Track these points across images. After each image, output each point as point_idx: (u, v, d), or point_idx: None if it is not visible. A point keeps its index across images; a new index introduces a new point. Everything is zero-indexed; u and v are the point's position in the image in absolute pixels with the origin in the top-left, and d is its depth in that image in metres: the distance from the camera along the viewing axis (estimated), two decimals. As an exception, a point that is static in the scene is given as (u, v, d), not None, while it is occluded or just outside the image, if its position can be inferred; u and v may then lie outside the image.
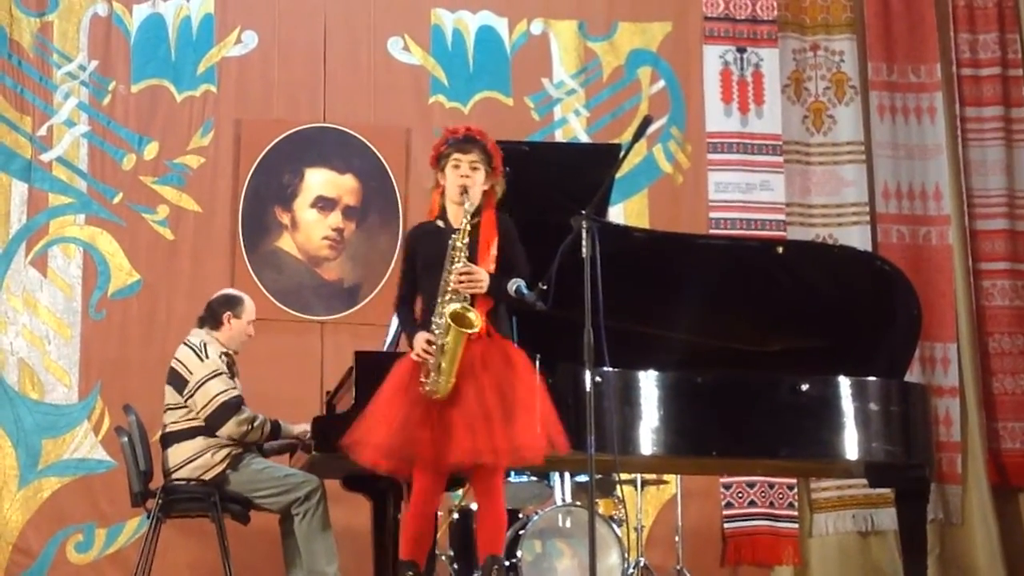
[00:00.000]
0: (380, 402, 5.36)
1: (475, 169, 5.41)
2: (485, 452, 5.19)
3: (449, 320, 5.20)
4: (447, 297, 5.28)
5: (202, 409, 6.58)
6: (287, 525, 6.67)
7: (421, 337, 5.29)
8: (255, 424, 6.63)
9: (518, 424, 5.20)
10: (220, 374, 6.64)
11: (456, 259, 5.30)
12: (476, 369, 5.25)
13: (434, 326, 5.28)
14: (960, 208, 9.24)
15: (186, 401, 6.63)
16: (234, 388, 6.65)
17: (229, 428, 6.57)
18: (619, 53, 9.10)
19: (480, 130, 5.56)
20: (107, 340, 8.23)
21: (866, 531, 8.84)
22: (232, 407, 6.58)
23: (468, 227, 5.32)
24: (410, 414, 5.25)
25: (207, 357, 6.67)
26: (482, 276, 5.29)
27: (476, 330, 5.22)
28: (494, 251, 5.40)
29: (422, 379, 5.25)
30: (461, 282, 5.27)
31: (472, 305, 5.27)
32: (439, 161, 5.49)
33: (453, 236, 5.33)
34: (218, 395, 6.58)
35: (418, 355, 5.28)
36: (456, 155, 5.43)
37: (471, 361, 5.24)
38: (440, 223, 5.50)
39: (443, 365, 5.21)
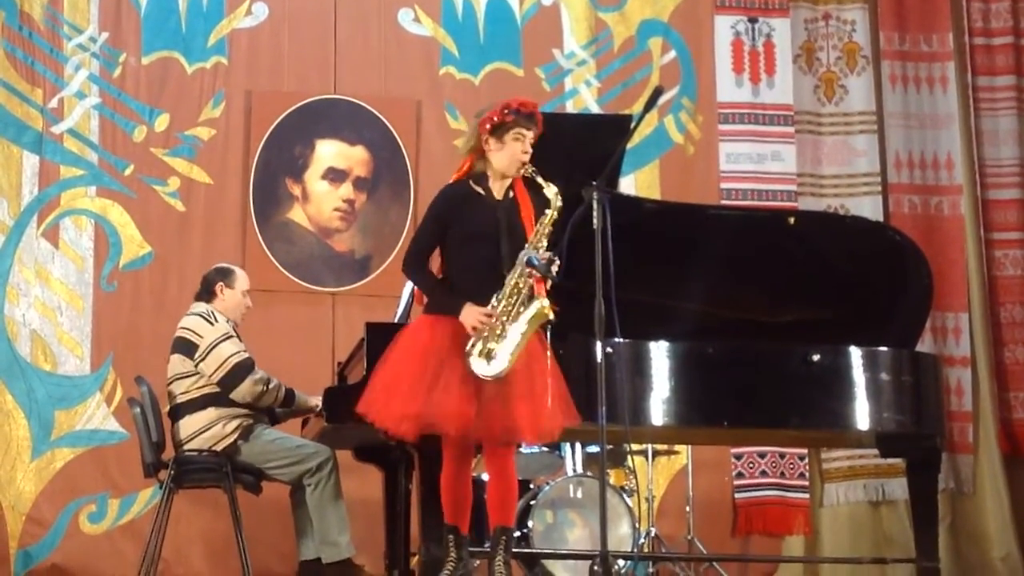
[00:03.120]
0: (399, 368, 5.27)
1: (532, 146, 5.35)
2: (500, 430, 5.19)
3: (534, 315, 5.15)
4: (522, 297, 5.20)
5: (215, 372, 6.60)
6: (299, 495, 6.70)
7: (477, 312, 5.19)
8: (270, 386, 6.65)
9: (536, 404, 5.18)
10: (231, 337, 6.67)
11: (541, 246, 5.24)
12: None
13: (507, 308, 5.19)
14: (972, 178, 9.22)
15: (197, 366, 6.64)
16: (245, 351, 6.67)
17: (244, 388, 6.59)
18: (630, 24, 9.07)
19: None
20: (119, 312, 8.26)
21: (877, 501, 8.85)
22: (246, 367, 6.60)
23: (555, 213, 5.27)
24: (434, 381, 5.16)
25: (216, 322, 6.71)
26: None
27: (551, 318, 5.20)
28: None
29: (474, 356, 5.17)
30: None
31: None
32: (498, 129, 5.33)
33: (542, 221, 5.24)
34: (231, 356, 6.60)
35: (474, 326, 5.18)
36: (522, 129, 5.33)
37: None
38: (479, 189, 5.39)
39: (511, 354, 5.13)
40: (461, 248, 5.35)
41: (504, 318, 5.18)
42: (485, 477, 5.94)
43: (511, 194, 5.36)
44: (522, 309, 5.20)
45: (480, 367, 5.17)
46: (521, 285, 5.21)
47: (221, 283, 6.86)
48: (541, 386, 5.20)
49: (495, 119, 5.33)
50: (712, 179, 8.96)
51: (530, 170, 5.31)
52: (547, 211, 5.28)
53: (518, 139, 5.32)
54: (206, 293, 6.87)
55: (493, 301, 5.21)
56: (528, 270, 5.21)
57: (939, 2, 9.29)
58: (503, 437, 5.25)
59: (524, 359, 5.20)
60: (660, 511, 8.24)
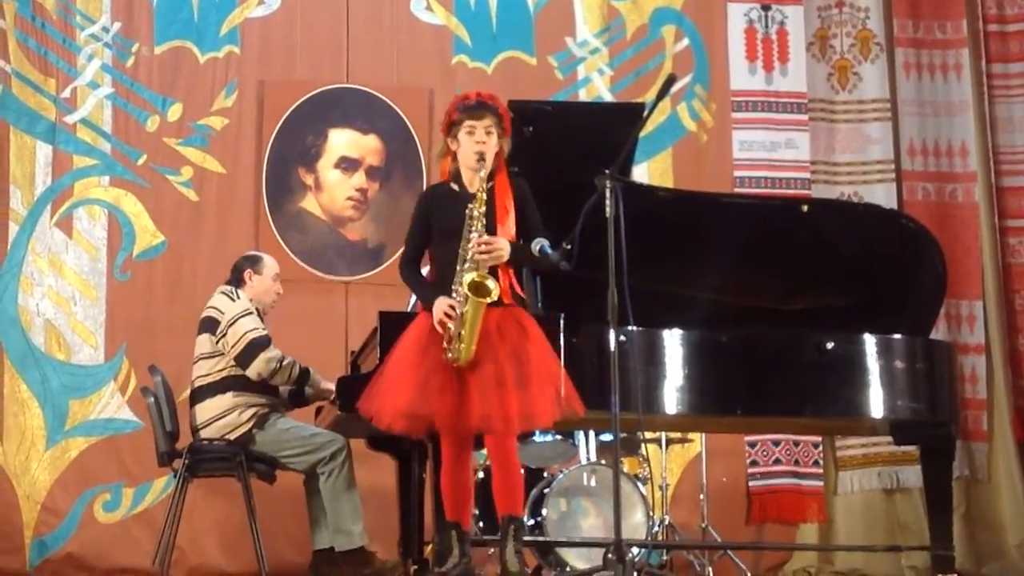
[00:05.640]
0: (396, 364, 5.39)
1: (489, 134, 5.40)
2: (496, 419, 5.22)
3: (467, 291, 5.20)
4: (466, 266, 5.27)
5: (232, 347, 6.61)
6: (312, 484, 6.71)
7: (443, 303, 5.28)
8: (283, 363, 6.67)
9: (530, 391, 5.23)
10: (251, 313, 6.71)
11: (474, 228, 5.29)
12: (492, 337, 5.26)
13: (454, 294, 5.28)
14: (986, 165, 9.20)
15: (218, 342, 6.67)
16: (263, 328, 6.70)
17: (258, 365, 6.61)
18: (643, 11, 9.06)
19: (491, 94, 5.55)
20: (132, 301, 8.26)
21: (891, 488, 8.84)
22: (260, 344, 6.63)
23: (484, 196, 5.32)
24: (429, 377, 5.27)
25: (238, 298, 6.75)
26: (502, 245, 5.29)
27: (494, 299, 5.23)
28: (512, 215, 5.40)
29: (444, 345, 5.26)
30: (482, 252, 5.26)
31: (493, 272, 5.28)
32: (451, 128, 5.48)
33: (470, 205, 5.31)
34: (248, 332, 6.63)
35: (440, 321, 5.29)
36: (470, 122, 5.41)
37: (487, 329, 5.25)
38: (455, 186, 5.49)
39: (463, 334, 5.21)
40: (440, 245, 5.46)
41: (461, 302, 5.25)
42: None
43: (490, 185, 5.39)
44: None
45: (450, 355, 5.25)
46: (464, 271, 5.26)
47: (249, 270, 6.91)
48: (534, 375, 5.25)
49: (446, 119, 5.51)
50: (725, 167, 8.95)
51: (482, 166, 5.35)
52: (472, 204, 5.33)
53: (470, 132, 5.41)
54: (236, 281, 6.91)
55: (453, 288, 5.29)
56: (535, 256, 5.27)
57: (953, -11, 9.28)
58: (487, 427, 5.28)
59: (513, 349, 5.27)
60: (674, 499, 8.24)
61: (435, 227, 5.48)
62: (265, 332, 6.70)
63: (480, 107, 5.44)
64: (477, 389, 5.22)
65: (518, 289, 5.42)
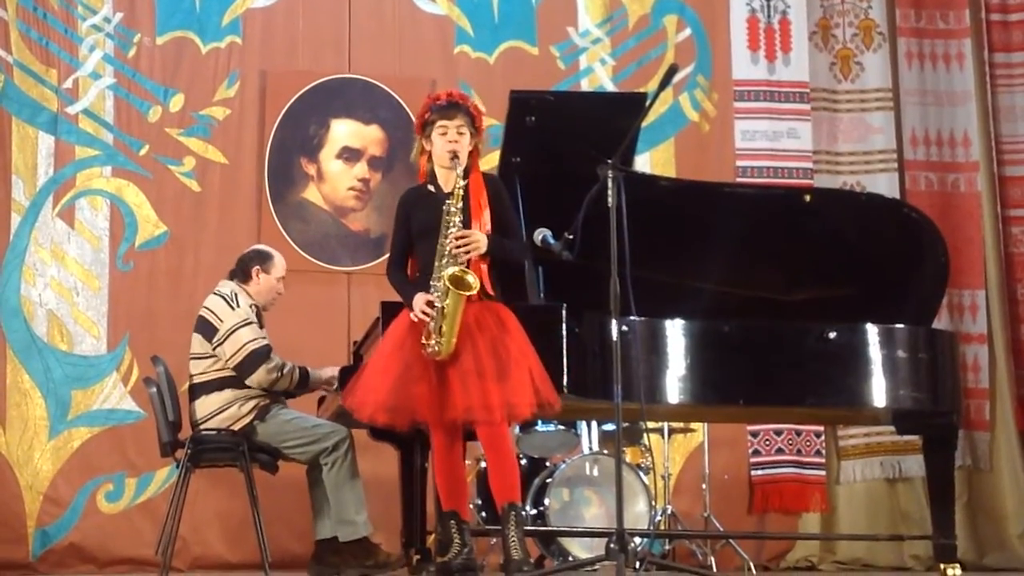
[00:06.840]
0: (378, 359, 5.48)
1: (461, 133, 5.50)
2: (479, 409, 5.28)
3: (448, 284, 5.27)
4: (444, 261, 5.34)
5: (231, 357, 6.60)
6: (315, 474, 6.71)
7: (421, 298, 5.36)
8: (284, 372, 6.65)
9: (510, 381, 5.29)
10: (250, 323, 6.67)
11: (451, 224, 5.37)
12: (471, 330, 5.33)
13: (433, 289, 5.34)
14: (989, 155, 9.19)
15: (214, 349, 6.65)
16: (263, 337, 6.68)
17: (259, 376, 6.60)
18: (645, 1, 9.06)
19: (462, 94, 5.69)
20: (135, 291, 8.26)
21: (894, 478, 8.84)
22: (261, 355, 6.61)
23: (461, 192, 5.40)
24: (407, 371, 5.35)
25: (238, 306, 6.70)
26: (478, 238, 5.38)
27: (474, 292, 5.30)
28: (487, 212, 5.48)
29: (424, 341, 5.32)
30: (459, 247, 5.32)
31: (468, 266, 5.33)
32: (424, 129, 5.57)
33: (448, 202, 5.40)
34: (248, 343, 6.61)
35: (418, 316, 5.34)
36: (442, 122, 5.51)
37: (466, 322, 5.32)
38: (431, 187, 5.58)
39: (444, 327, 5.29)
40: (419, 246, 5.56)
41: (441, 296, 5.32)
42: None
43: (465, 183, 5.46)
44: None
45: (430, 349, 5.31)
46: (444, 266, 5.34)
47: (258, 267, 6.87)
48: (513, 366, 5.31)
49: (419, 120, 5.62)
50: (727, 157, 8.95)
51: (456, 164, 5.43)
52: (449, 200, 5.42)
53: (442, 132, 5.51)
54: (241, 273, 6.88)
55: (432, 283, 5.36)
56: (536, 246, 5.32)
57: (955, -22, 9.27)
58: (470, 416, 5.33)
59: (491, 341, 5.33)
60: (676, 489, 8.25)
61: (414, 229, 5.57)
62: (265, 342, 6.67)
63: (451, 107, 5.54)
64: (458, 381, 5.30)
65: (488, 287, 5.44)
